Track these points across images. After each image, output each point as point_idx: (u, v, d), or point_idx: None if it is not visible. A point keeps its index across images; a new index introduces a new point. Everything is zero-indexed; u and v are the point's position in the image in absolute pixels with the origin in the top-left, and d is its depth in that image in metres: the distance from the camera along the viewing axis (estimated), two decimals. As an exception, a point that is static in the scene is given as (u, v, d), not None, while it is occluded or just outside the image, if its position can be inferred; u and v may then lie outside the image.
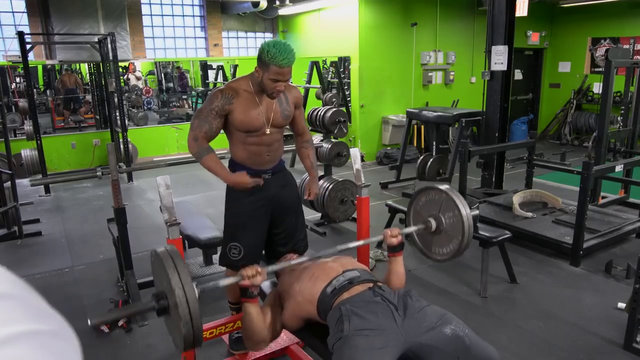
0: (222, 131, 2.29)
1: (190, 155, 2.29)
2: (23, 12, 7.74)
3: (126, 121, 6.88)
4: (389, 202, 4.38)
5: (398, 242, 2.04)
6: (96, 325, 1.48)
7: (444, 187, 2.09)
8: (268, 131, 2.24)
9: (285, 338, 2.63)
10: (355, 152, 2.87)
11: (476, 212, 2.19)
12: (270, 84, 2.10)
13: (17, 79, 9.72)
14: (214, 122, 2.19)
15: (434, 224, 2.13)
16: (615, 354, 2.65)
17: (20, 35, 5.76)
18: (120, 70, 8.90)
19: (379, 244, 3.76)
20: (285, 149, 2.53)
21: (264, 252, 2.51)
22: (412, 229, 2.19)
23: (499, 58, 5.10)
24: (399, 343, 1.59)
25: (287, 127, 2.48)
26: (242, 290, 1.79)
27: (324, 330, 1.77)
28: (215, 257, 3.79)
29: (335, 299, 1.76)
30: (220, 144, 2.31)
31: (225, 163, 2.45)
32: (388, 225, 4.20)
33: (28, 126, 6.20)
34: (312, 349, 1.99)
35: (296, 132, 2.54)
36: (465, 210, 2.02)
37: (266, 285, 2.37)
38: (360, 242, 2.27)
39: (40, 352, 0.30)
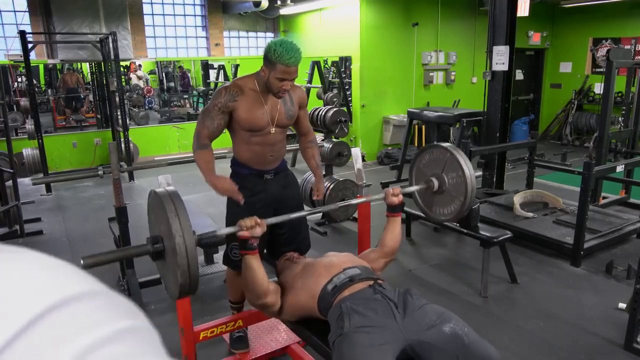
0: (224, 131, 2.30)
1: (191, 154, 2.30)
2: (25, 12, 7.77)
3: (127, 120, 6.88)
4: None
5: (399, 201, 2.08)
6: (88, 265, 1.46)
7: (448, 145, 2.09)
8: (273, 130, 2.24)
9: (286, 337, 2.64)
10: (356, 152, 2.88)
11: (479, 172, 2.19)
12: (276, 83, 2.10)
13: (19, 78, 9.73)
14: (217, 118, 2.19)
15: (436, 183, 2.13)
16: (616, 354, 2.65)
17: (22, 34, 5.76)
18: (122, 69, 8.91)
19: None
20: (286, 148, 2.53)
21: (266, 251, 2.51)
22: (413, 188, 2.20)
23: (500, 58, 5.09)
24: (398, 340, 1.60)
25: (290, 127, 2.49)
26: (242, 241, 1.79)
27: (325, 329, 1.77)
28: (216, 257, 3.80)
29: (335, 297, 1.76)
30: (221, 143, 2.31)
31: (226, 163, 2.46)
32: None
33: (29, 125, 6.21)
34: (313, 348, 2.00)
35: (300, 132, 2.54)
36: (469, 171, 2.02)
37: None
38: (362, 200, 2.30)
39: (143, 346, 0.30)
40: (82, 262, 1.45)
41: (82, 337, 0.27)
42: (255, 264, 1.82)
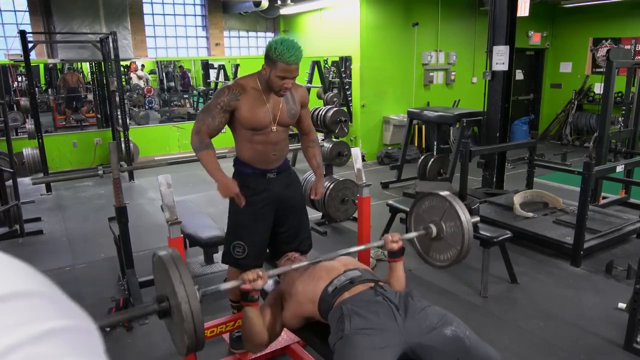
0: (224, 130, 2.30)
1: (192, 154, 2.30)
2: (25, 11, 7.77)
3: (127, 120, 6.88)
4: (390, 201, 4.38)
5: (399, 247, 2.04)
6: (100, 328, 1.47)
7: (448, 195, 2.09)
8: (274, 129, 2.25)
9: (286, 337, 2.64)
10: (356, 152, 2.88)
11: (477, 218, 2.19)
12: (277, 81, 2.11)
13: (19, 78, 9.73)
14: (218, 116, 2.19)
15: (434, 230, 2.13)
16: (616, 354, 2.65)
17: (22, 34, 5.76)
18: (122, 69, 8.92)
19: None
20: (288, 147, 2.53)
21: (268, 250, 2.51)
22: (412, 234, 2.20)
23: (500, 58, 5.10)
24: (399, 343, 1.60)
25: (293, 127, 2.49)
26: (243, 294, 1.79)
27: (325, 330, 1.77)
28: (216, 256, 3.80)
29: (336, 298, 1.76)
30: (222, 143, 2.32)
31: (226, 162, 2.46)
32: (389, 225, 4.21)
33: (29, 125, 6.21)
34: (312, 348, 2.00)
35: (302, 131, 2.54)
36: (467, 223, 2.02)
37: (268, 284, 2.38)
38: (361, 247, 2.26)
39: (72, 348, 0.30)
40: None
41: (3, 337, 0.27)
42: (255, 316, 1.84)
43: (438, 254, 2.20)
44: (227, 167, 2.38)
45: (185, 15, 9.45)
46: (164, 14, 9.27)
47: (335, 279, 1.83)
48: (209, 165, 2.21)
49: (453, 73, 8.51)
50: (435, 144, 6.16)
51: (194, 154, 2.30)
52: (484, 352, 1.57)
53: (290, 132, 2.63)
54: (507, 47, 5.05)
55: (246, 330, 1.86)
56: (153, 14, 9.11)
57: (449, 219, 2.09)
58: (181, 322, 1.46)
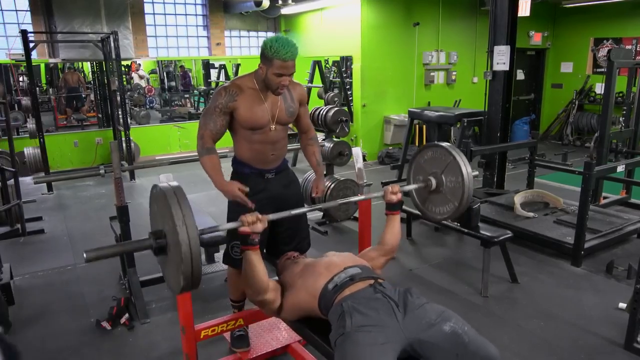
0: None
1: (192, 154, 2.31)
2: (26, 11, 7.77)
3: (128, 120, 6.89)
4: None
5: (398, 199, 2.10)
6: (91, 259, 1.46)
7: (452, 148, 2.08)
8: (273, 127, 2.25)
9: (287, 336, 2.64)
10: (357, 152, 2.88)
11: (476, 172, 2.19)
12: (274, 79, 2.11)
13: (20, 77, 9.74)
14: (218, 119, 2.20)
15: (434, 182, 2.14)
16: (616, 354, 2.65)
17: (24, 33, 5.77)
18: (123, 69, 8.92)
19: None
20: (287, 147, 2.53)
21: (266, 250, 2.52)
22: (412, 186, 2.23)
23: (501, 58, 5.10)
24: (399, 339, 1.61)
25: (293, 126, 2.49)
26: (243, 237, 1.79)
27: (325, 328, 1.77)
28: (217, 256, 3.81)
29: (336, 296, 1.77)
30: (222, 142, 2.32)
31: (226, 162, 2.46)
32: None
33: (31, 124, 6.22)
34: (313, 347, 2.00)
35: (301, 130, 2.54)
36: (469, 178, 2.02)
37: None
38: (362, 197, 2.31)
39: None
40: (84, 255, 1.45)
41: None
42: (256, 260, 1.83)
43: (434, 206, 2.21)
44: (226, 167, 2.38)
45: (186, 14, 9.46)
46: (165, 14, 9.28)
47: (335, 276, 1.84)
48: (210, 171, 2.21)
49: (454, 73, 8.51)
50: (436, 143, 6.15)
51: (196, 154, 2.31)
52: (482, 347, 1.57)
53: (291, 132, 2.63)
54: (508, 47, 5.05)
55: (248, 275, 1.85)
56: (154, 14, 9.12)
57: (450, 173, 2.09)
58: (179, 262, 1.42)
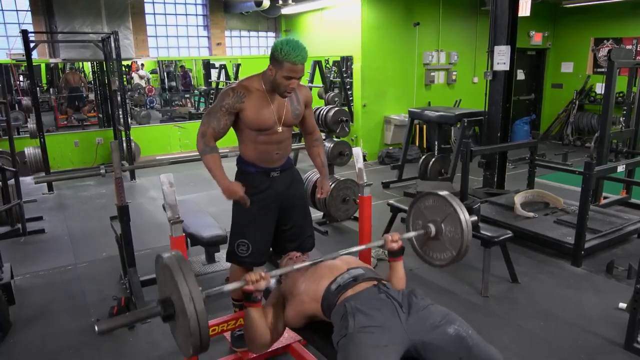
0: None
1: (193, 153, 2.31)
2: (27, 11, 7.78)
3: (129, 120, 6.90)
4: (391, 201, 4.38)
5: (399, 247, 2.05)
6: (104, 332, 1.49)
7: (454, 200, 2.08)
8: (280, 129, 2.26)
9: (287, 336, 2.64)
10: (357, 151, 2.89)
11: (474, 218, 2.19)
12: (283, 82, 2.12)
13: (21, 77, 9.75)
14: (223, 119, 2.20)
15: (433, 230, 2.14)
16: (616, 354, 2.66)
17: (24, 33, 5.77)
18: (124, 69, 8.93)
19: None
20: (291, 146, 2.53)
21: (271, 248, 2.52)
22: (412, 234, 2.21)
23: (502, 58, 5.10)
24: (403, 341, 1.60)
25: (294, 126, 2.50)
26: (246, 295, 1.80)
27: (326, 328, 1.78)
28: (218, 255, 3.81)
29: (339, 296, 1.77)
30: (226, 142, 2.32)
31: (228, 161, 2.46)
32: (390, 224, 4.21)
33: (31, 124, 6.22)
34: (314, 347, 2.00)
35: (306, 131, 2.55)
36: (467, 232, 2.02)
37: (271, 283, 2.38)
38: (362, 247, 2.26)
39: None
40: (96, 328, 1.48)
41: None
42: (257, 317, 1.84)
43: (433, 252, 2.21)
44: (229, 167, 2.39)
45: (186, 14, 9.47)
46: (165, 14, 9.29)
47: (338, 277, 1.84)
48: (213, 169, 2.21)
49: (454, 73, 8.51)
50: (436, 143, 6.16)
51: (196, 154, 2.31)
52: (486, 351, 1.57)
53: (294, 132, 2.64)
54: (509, 47, 5.05)
55: (249, 331, 1.86)
56: (154, 14, 9.13)
57: (449, 223, 2.09)
58: (187, 327, 1.46)
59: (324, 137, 4.70)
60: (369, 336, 1.57)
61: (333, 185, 4.40)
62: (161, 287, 1.69)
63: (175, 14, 9.37)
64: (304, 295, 1.89)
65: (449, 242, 2.10)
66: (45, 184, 6.21)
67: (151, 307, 1.62)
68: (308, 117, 2.47)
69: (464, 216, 2.03)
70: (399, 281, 2.05)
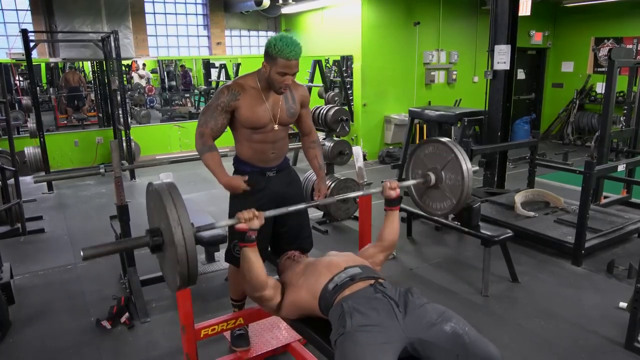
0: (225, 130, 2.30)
1: (193, 153, 2.30)
2: (27, 10, 7.77)
3: (129, 119, 6.89)
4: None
5: (397, 195, 2.09)
6: (88, 257, 1.46)
7: (455, 146, 2.06)
8: (276, 127, 2.25)
9: (287, 335, 2.64)
10: (357, 150, 2.88)
11: (476, 167, 2.18)
12: (277, 78, 2.11)
13: (21, 77, 9.74)
14: (220, 118, 2.19)
15: (433, 178, 2.13)
16: (616, 353, 2.65)
17: (24, 33, 5.77)
18: (124, 69, 8.92)
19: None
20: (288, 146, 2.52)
21: (270, 249, 2.52)
22: (410, 182, 2.22)
23: (502, 57, 5.09)
24: (400, 339, 1.60)
25: (294, 126, 2.49)
26: (240, 234, 1.79)
27: (326, 327, 1.77)
28: (217, 255, 3.81)
29: (336, 296, 1.77)
30: (223, 142, 2.32)
31: (227, 161, 2.46)
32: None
33: (31, 124, 6.21)
34: (314, 346, 2.00)
35: (303, 132, 2.53)
36: (469, 178, 2.00)
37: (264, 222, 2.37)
38: (360, 193, 2.30)
39: None
40: (82, 253, 1.45)
41: None
42: (253, 257, 1.83)
43: (432, 201, 2.20)
44: (229, 167, 2.38)
45: (186, 14, 9.46)
46: (165, 13, 9.28)
47: (335, 275, 1.84)
48: (213, 167, 2.22)
49: (454, 72, 8.50)
50: (436, 143, 6.15)
51: (196, 154, 2.30)
52: (483, 348, 1.57)
53: (291, 132, 2.62)
54: (509, 46, 5.04)
55: (246, 271, 1.85)
56: (154, 13, 9.12)
57: (450, 171, 2.07)
58: (174, 255, 1.42)
59: (324, 137, 4.70)
60: (366, 335, 1.57)
61: (333, 184, 4.40)
62: (151, 217, 1.66)
63: (176, 14, 9.37)
64: (302, 289, 1.89)
65: (449, 190, 2.09)
66: (45, 183, 6.21)
67: (139, 236, 1.58)
68: (305, 117, 2.45)
69: (465, 163, 2.02)
70: (392, 231, 2.10)
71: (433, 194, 2.18)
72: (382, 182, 2.14)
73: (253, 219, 1.77)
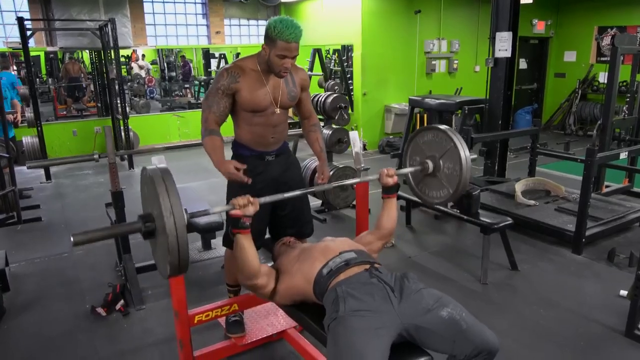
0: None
1: (192, 142, 2.26)
2: (23, -2, 7.71)
3: (127, 109, 6.85)
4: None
5: (394, 182, 2.07)
6: (79, 242, 1.42)
7: (454, 135, 2.02)
8: (277, 111, 2.21)
9: (283, 322, 2.62)
10: (354, 135, 2.82)
11: (474, 155, 2.15)
12: (277, 61, 2.07)
13: (18, 66, 9.69)
14: (222, 102, 2.15)
15: (430, 166, 2.10)
16: (617, 341, 2.62)
17: (20, 21, 5.72)
18: (124, 59, 8.85)
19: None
20: (287, 130, 2.48)
21: (269, 234, 2.48)
22: (408, 169, 2.19)
23: (503, 44, 5.02)
24: (395, 324, 1.57)
25: (294, 111, 2.45)
26: (234, 220, 1.77)
27: (322, 314, 1.74)
28: (214, 242, 3.78)
29: (331, 280, 1.74)
30: (224, 132, 2.25)
31: (227, 148, 2.42)
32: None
33: (29, 113, 6.18)
34: (309, 333, 1.97)
35: (303, 116, 2.49)
36: (466, 169, 1.97)
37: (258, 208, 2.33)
38: (357, 180, 2.26)
39: None
40: (72, 239, 1.42)
41: None
42: (247, 244, 1.80)
43: (429, 189, 2.17)
44: (229, 152, 2.34)
45: (185, 2, 9.38)
46: (163, 2, 9.20)
47: (330, 260, 1.80)
48: (209, 150, 2.14)
49: (455, 61, 8.42)
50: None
51: (195, 141, 2.26)
52: (480, 334, 1.54)
53: (291, 121, 2.58)
54: (510, 33, 4.97)
55: (239, 259, 1.82)
56: (153, 2, 9.04)
57: (448, 159, 2.03)
58: (165, 243, 1.40)
59: (323, 125, 4.66)
60: (359, 320, 1.54)
61: (332, 172, 4.36)
62: (144, 203, 1.64)
63: (174, 2, 9.29)
64: (297, 274, 1.86)
65: (446, 179, 2.06)
66: (43, 173, 6.18)
67: (131, 222, 1.55)
68: (305, 100, 2.42)
69: (464, 152, 1.99)
70: (390, 219, 2.08)
71: (430, 182, 2.15)
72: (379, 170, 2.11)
73: (248, 205, 1.74)
